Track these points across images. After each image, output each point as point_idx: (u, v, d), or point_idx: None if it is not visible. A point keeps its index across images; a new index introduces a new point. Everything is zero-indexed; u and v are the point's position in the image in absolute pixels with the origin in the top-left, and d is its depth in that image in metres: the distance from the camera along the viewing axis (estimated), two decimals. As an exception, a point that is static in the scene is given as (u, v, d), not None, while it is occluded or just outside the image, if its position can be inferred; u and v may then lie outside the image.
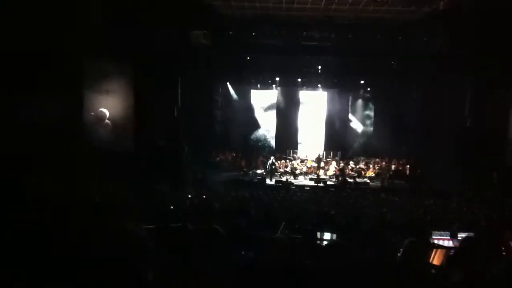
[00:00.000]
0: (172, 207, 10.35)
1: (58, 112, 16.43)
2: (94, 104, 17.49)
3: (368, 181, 20.67)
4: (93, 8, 16.11)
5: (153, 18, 16.63)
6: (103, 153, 16.90)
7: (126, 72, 17.67)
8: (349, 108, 24.85)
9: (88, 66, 17.35)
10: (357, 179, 20.54)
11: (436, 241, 6.89)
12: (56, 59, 15.42)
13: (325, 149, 23.80)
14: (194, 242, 3.95)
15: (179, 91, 18.61)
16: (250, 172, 21.14)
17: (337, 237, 5.99)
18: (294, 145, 24.22)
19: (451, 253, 4.42)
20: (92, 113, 17.32)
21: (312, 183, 19.82)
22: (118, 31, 16.32)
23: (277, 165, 21.81)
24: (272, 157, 21.54)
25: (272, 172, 20.71)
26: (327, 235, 6.22)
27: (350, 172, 21.38)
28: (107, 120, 17.51)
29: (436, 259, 5.12)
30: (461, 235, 6.94)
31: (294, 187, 18.02)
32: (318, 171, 21.45)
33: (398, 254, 3.14)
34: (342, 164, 21.88)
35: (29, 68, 15.12)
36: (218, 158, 22.72)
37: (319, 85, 24.22)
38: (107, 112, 17.47)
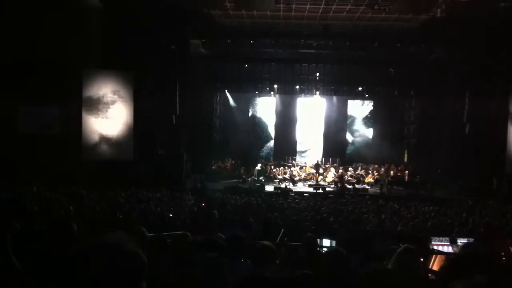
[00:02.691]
0: (171, 215, 10.36)
1: (58, 122, 16.51)
2: (94, 113, 17.53)
3: (367, 187, 20.66)
4: (93, 18, 16.23)
5: (152, 27, 16.73)
6: (103, 161, 16.96)
7: (125, 81, 17.72)
8: (347, 114, 24.87)
9: (88, 75, 17.41)
10: (356, 185, 20.53)
11: (435, 247, 6.89)
12: (56, 69, 15.51)
13: (323, 156, 23.80)
14: (194, 251, 3.95)
15: (178, 99, 18.63)
16: (249, 179, 21.12)
17: (336, 244, 5.99)
18: (293, 152, 24.22)
19: (451, 260, 4.42)
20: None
21: (311, 189, 19.79)
22: (117, 41, 16.43)
23: (276, 171, 21.89)
24: (259, 164, 21.51)
25: (259, 179, 20.67)
26: (326, 242, 6.23)
27: (349, 178, 21.37)
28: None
29: (435, 265, 5.12)
30: (460, 241, 6.95)
31: (293, 194, 18.00)
32: (317, 178, 21.44)
33: (390, 261, 3.13)
34: (341, 171, 21.88)
35: (30, 79, 15.23)
36: (217, 166, 22.72)
37: (317, 92, 24.26)
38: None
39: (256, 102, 24.99)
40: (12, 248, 3.15)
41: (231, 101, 24.45)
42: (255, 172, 20.80)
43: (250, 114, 24.91)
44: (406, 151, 23.62)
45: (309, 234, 5.95)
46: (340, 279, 3.15)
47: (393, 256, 3.12)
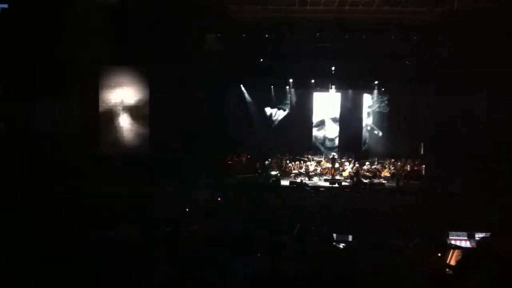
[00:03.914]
0: (187, 210, 10.43)
1: (73, 116, 16.69)
2: (109, 107, 17.71)
3: (384, 181, 20.56)
4: (108, 15, 16.33)
5: (166, 22, 16.79)
6: (119, 156, 17.11)
7: (140, 76, 17.85)
8: (363, 109, 24.73)
9: (103, 70, 17.57)
10: (372, 180, 20.45)
11: (453, 242, 6.85)
12: (72, 66, 15.67)
13: (339, 150, 23.72)
14: (207, 245, 3.98)
15: (193, 94, 18.70)
16: (264, 173, 21.16)
17: (351, 238, 5.98)
18: (308, 146, 24.17)
19: (467, 254, 4.40)
20: None
21: (327, 184, 19.77)
22: (132, 37, 16.53)
23: (291, 165, 21.89)
24: (269, 159, 21.48)
25: (268, 173, 20.72)
26: (341, 237, 6.21)
27: (365, 172, 21.29)
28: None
29: (453, 260, 5.10)
30: (478, 236, 6.89)
31: (308, 188, 18.00)
32: (332, 172, 21.40)
33: (404, 255, 3.13)
34: (357, 165, 21.80)
35: (44, 75, 15.39)
36: (232, 161, 22.77)
37: (332, 87, 24.17)
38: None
39: (271, 96, 24.97)
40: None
41: (246, 96, 24.45)
42: (266, 166, 20.91)
43: (265, 108, 24.90)
44: (422, 145, 23.40)
45: (325, 228, 5.96)
46: (355, 273, 3.15)
47: (408, 250, 3.12)
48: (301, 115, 24.53)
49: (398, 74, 22.36)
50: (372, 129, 24.91)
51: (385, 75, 22.75)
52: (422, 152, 23.16)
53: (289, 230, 6.77)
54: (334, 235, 5.95)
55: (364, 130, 24.81)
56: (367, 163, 22.31)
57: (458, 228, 7.39)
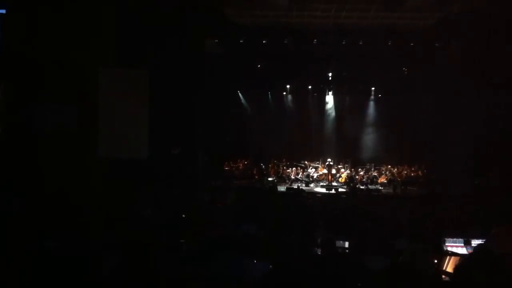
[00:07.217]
0: (183, 216, 10.42)
1: (72, 121, 16.65)
2: (109, 111, 17.66)
3: (381, 188, 20.58)
4: (107, 17, 16.33)
5: (166, 25, 16.84)
6: (118, 160, 17.08)
7: (140, 79, 17.83)
8: (360, 114, 24.78)
9: (103, 74, 17.54)
10: (369, 186, 20.46)
11: (450, 249, 6.87)
12: (70, 68, 15.64)
13: (336, 156, 23.73)
14: (210, 248, 4.00)
15: (192, 98, 18.73)
16: (265, 177, 21.19)
17: (350, 243, 6.00)
18: (305, 152, 24.18)
19: (464, 261, 4.42)
20: None
21: (323, 190, 19.79)
22: (132, 41, 16.55)
23: (288, 171, 21.91)
24: (263, 165, 21.55)
25: (265, 179, 20.79)
26: (341, 242, 6.23)
27: (362, 179, 21.31)
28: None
29: (449, 267, 5.12)
30: (474, 242, 6.91)
31: (305, 195, 18.00)
32: (329, 178, 21.42)
33: (403, 260, 3.15)
34: (353, 171, 21.85)
35: (42, 77, 15.36)
36: (229, 166, 22.79)
37: (330, 92, 24.25)
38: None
39: (268, 102, 25.01)
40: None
41: (243, 101, 24.50)
42: (262, 171, 20.97)
43: (262, 114, 24.91)
44: (421, 151, 23.39)
45: (325, 233, 5.98)
46: (355, 277, 3.17)
47: (406, 254, 3.15)
48: (299, 120, 24.55)
49: (396, 79, 22.44)
50: (369, 134, 24.96)
51: (384, 80, 22.82)
52: (420, 159, 23.16)
53: (290, 233, 6.79)
54: (334, 239, 5.97)
55: (361, 136, 24.86)
56: (363, 169, 22.35)
57: (457, 231, 7.42)
